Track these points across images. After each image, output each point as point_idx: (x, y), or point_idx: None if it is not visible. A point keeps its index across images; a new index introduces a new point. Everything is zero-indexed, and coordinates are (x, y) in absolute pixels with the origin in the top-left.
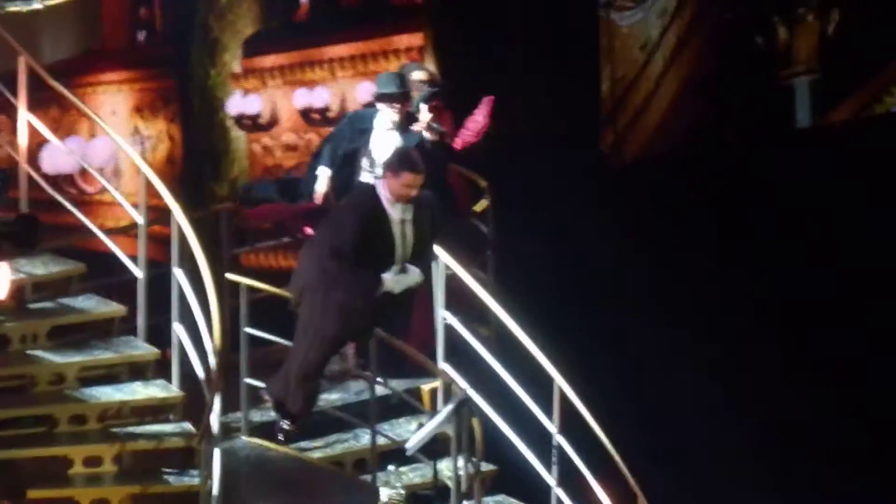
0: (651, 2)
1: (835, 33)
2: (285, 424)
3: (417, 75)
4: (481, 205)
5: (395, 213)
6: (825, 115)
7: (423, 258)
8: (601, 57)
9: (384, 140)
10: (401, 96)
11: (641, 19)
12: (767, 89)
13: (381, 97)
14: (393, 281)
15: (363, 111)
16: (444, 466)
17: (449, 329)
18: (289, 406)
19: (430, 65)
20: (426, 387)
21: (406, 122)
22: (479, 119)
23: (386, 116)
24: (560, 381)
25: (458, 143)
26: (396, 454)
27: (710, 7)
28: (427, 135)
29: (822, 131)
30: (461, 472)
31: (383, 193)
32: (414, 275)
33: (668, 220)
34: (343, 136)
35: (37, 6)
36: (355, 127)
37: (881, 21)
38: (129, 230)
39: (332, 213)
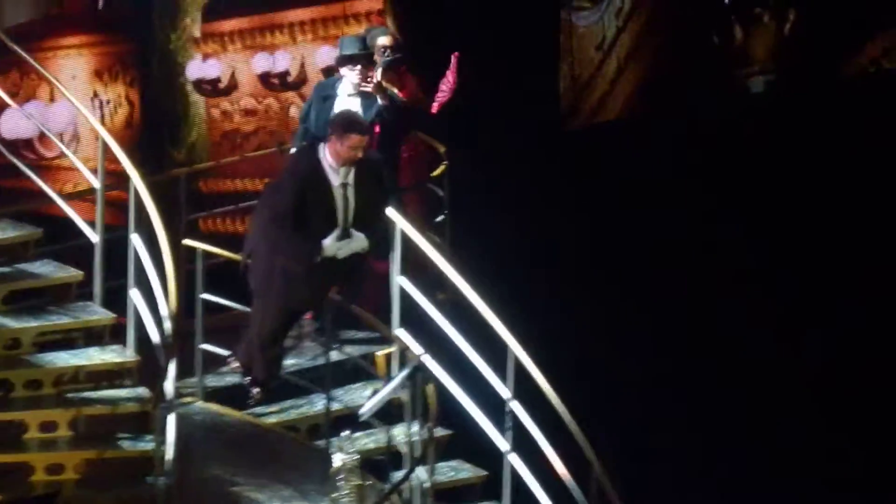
0: (607, 2)
1: (791, 33)
2: (254, 391)
3: (382, 40)
4: (440, 170)
5: (336, 177)
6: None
7: (370, 223)
8: (561, 40)
9: (346, 106)
10: (362, 58)
11: (598, 20)
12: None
13: (343, 60)
14: (335, 246)
15: (328, 79)
16: (399, 432)
17: (404, 294)
18: (255, 373)
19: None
20: (381, 353)
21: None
22: (449, 78)
23: (348, 82)
24: (515, 347)
25: (434, 106)
26: (351, 420)
27: (666, 8)
28: (379, 99)
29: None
30: (415, 438)
31: (324, 157)
32: (359, 240)
33: (622, 186)
34: (310, 104)
35: None
36: (319, 94)
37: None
38: (86, 195)
39: (275, 178)
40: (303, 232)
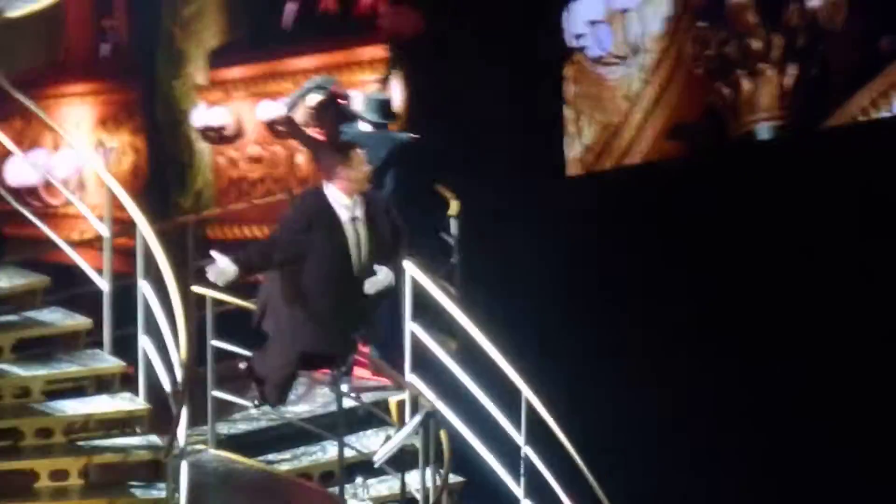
0: (633, 58)
1: (794, 84)
2: (257, 399)
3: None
4: (454, 208)
5: (345, 212)
6: None
7: (391, 257)
8: (568, 92)
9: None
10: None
11: (625, 73)
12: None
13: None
14: (369, 283)
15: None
16: (412, 479)
17: (415, 339)
18: (265, 391)
19: (397, 77)
20: (394, 399)
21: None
22: None
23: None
24: (527, 392)
25: None
26: (364, 466)
27: (683, 63)
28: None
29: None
30: (429, 485)
31: (330, 193)
32: (384, 274)
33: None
34: None
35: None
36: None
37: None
38: (94, 242)
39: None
40: (320, 270)
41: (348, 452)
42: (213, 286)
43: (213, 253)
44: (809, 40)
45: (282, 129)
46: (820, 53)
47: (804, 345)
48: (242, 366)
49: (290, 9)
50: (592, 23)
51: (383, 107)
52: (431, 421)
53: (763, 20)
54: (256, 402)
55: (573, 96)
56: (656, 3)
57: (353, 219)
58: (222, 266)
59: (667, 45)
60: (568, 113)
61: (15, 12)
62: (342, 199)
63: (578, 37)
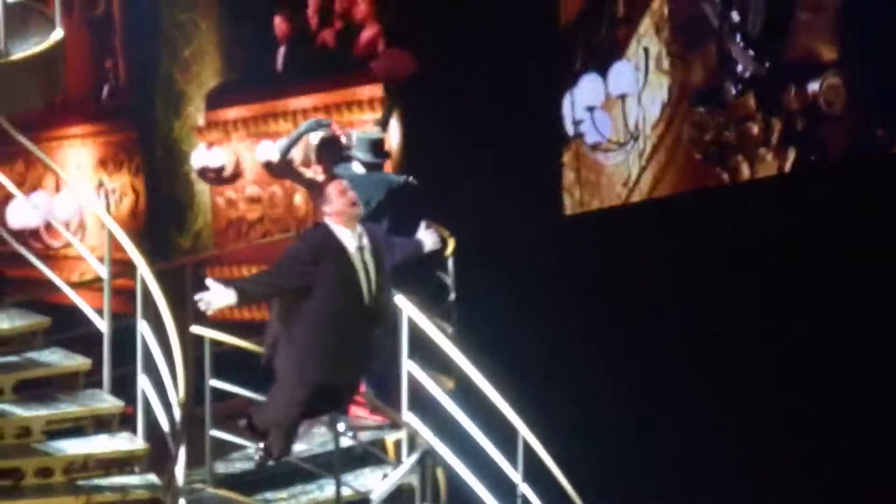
0: (631, 145)
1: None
2: (261, 454)
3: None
4: (450, 247)
5: (352, 241)
6: None
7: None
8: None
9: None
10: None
11: (624, 160)
12: None
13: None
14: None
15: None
16: None
17: (412, 378)
18: (269, 444)
19: (395, 116)
20: (391, 437)
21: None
22: None
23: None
24: (524, 430)
25: None
26: None
27: (681, 148)
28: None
29: None
30: None
31: (333, 226)
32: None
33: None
34: None
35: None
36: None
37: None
38: (93, 283)
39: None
40: (331, 302)
41: (346, 491)
42: (211, 325)
43: (209, 281)
44: (808, 125)
45: (279, 169)
46: (819, 138)
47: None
48: (242, 423)
49: (282, 52)
50: (591, 109)
51: (376, 146)
52: (428, 459)
53: (762, 105)
54: (260, 458)
55: (571, 182)
56: (654, 88)
57: (360, 248)
58: (218, 292)
59: (665, 130)
60: (567, 199)
61: (18, 54)
62: (346, 232)
63: (577, 123)
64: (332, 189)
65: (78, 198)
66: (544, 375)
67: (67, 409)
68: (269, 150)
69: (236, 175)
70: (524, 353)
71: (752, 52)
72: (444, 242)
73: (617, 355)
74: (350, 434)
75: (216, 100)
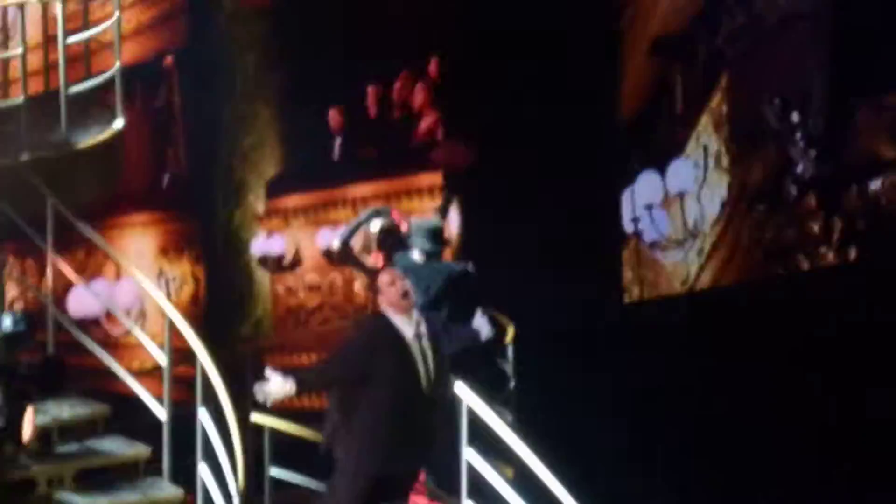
0: (690, 244)
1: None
2: None
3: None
4: (510, 334)
5: (409, 328)
6: None
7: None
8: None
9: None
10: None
11: (683, 258)
12: None
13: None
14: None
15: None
16: None
17: (471, 466)
18: None
19: (455, 204)
20: None
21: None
22: None
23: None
24: None
25: None
26: None
27: (740, 247)
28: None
29: None
30: None
31: (391, 315)
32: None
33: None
34: None
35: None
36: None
37: None
38: (153, 371)
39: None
40: (390, 391)
41: None
42: (271, 413)
43: (268, 370)
44: (870, 224)
45: (339, 256)
46: (881, 237)
47: None
48: None
49: (338, 142)
50: (649, 207)
51: (434, 234)
52: None
53: (822, 203)
54: None
55: (629, 280)
56: (713, 186)
57: (418, 336)
58: (277, 383)
59: (724, 228)
60: (626, 297)
61: (82, 144)
62: (404, 320)
63: (635, 220)
64: (384, 279)
65: (138, 286)
66: (605, 463)
67: (128, 497)
68: (330, 239)
69: (296, 263)
70: (584, 441)
71: (813, 152)
72: (503, 330)
73: (682, 443)
74: None
75: (275, 188)
